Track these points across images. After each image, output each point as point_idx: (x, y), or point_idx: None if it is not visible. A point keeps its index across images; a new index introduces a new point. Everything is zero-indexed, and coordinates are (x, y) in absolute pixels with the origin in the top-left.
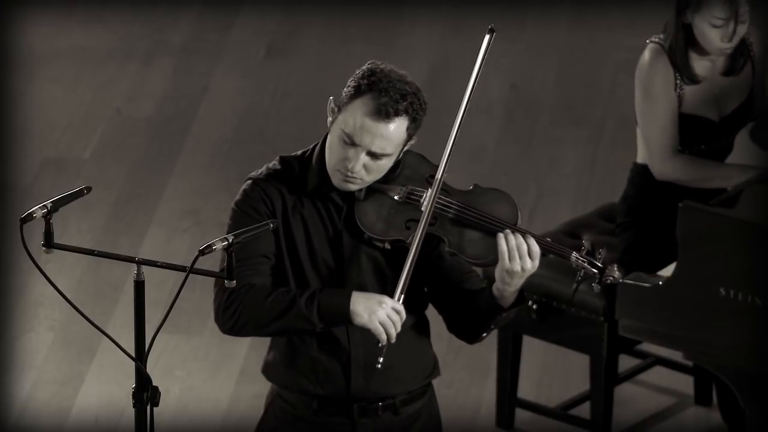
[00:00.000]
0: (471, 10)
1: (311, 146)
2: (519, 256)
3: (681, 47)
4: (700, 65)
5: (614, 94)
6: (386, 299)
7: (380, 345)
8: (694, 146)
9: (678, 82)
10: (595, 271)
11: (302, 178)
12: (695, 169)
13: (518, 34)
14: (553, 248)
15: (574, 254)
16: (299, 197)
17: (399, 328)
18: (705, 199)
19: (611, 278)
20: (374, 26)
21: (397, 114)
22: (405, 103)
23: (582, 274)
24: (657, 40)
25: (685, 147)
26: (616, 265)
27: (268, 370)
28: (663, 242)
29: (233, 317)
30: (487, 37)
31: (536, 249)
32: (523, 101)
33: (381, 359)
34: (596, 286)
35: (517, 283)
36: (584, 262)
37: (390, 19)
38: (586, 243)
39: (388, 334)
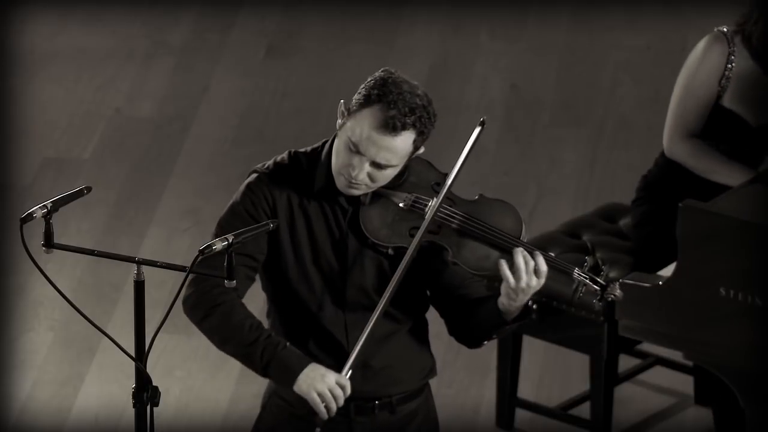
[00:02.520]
0: (471, 10)
1: (321, 142)
2: (525, 273)
3: (764, 38)
4: None
5: (614, 94)
6: (330, 374)
7: (317, 417)
8: (721, 143)
9: (726, 73)
10: (597, 288)
11: (310, 175)
12: (702, 158)
13: (518, 34)
14: (556, 263)
15: (577, 270)
16: (305, 195)
17: (341, 404)
18: (709, 197)
19: (613, 296)
20: (374, 26)
21: (404, 128)
22: (413, 117)
23: (583, 290)
24: (723, 29)
25: (710, 140)
26: (618, 283)
27: None
28: (671, 226)
29: (198, 316)
30: (478, 129)
31: (543, 268)
32: (523, 101)
33: (317, 430)
34: (597, 303)
35: (523, 299)
36: (586, 278)
37: (390, 19)
38: (589, 259)
39: (328, 408)
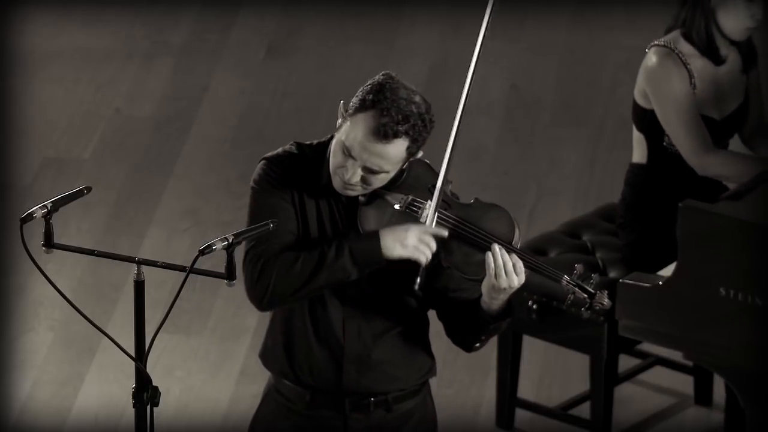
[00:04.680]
0: (471, 10)
1: (327, 137)
2: (506, 273)
3: (706, 27)
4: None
5: (614, 94)
6: (411, 226)
7: (421, 269)
8: None
9: (692, 77)
10: (586, 296)
11: (317, 168)
12: (733, 164)
13: (518, 34)
14: (545, 270)
15: (566, 278)
16: (312, 186)
17: (434, 247)
18: (704, 199)
19: (600, 305)
20: (374, 26)
21: (396, 136)
22: (407, 125)
23: (572, 298)
24: (661, 43)
25: None
26: (606, 292)
27: (265, 355)
28: (663, 238)
29: (267, 289)
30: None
31: (519, 264)
32: (523, 101)
33: (419, 280)
34: (585, 312)
35: (503, 298)
36: (575, 286)
37: (390, 19)
38: (578, 267)
39: (425, 255)
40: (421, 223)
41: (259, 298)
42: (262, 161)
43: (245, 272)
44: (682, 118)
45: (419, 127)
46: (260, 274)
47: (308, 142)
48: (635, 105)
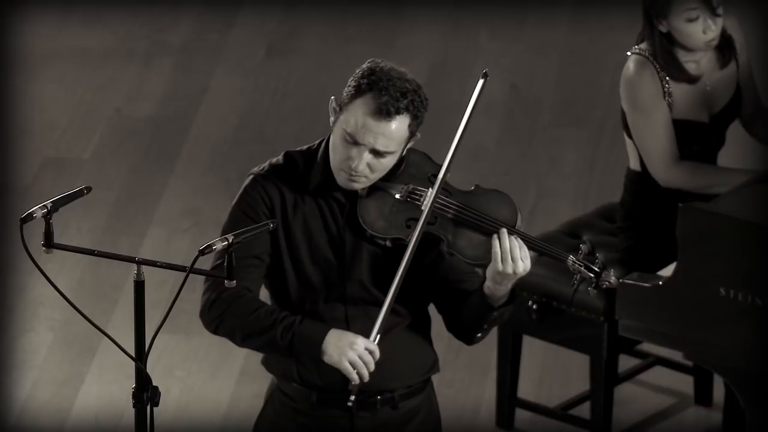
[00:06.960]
0: (471, 10)
1: (317, 141)
2: (512, 259)
3: (667, 53)
4: (688, 67)
5: (614, 94)
6: (359, 340)
7: (351, 384)
8: (686, 148)
9: (667, 89)
10: (592, 275)
11: (306, 174)
12: (700, 177)
13: (518, 34)
14: (550, 251)
15: (571, 257)
16: (301, 194)
17: (372, 368)
18: (704, 200)
19: (607, 283)
20: (374, 26)
21: (398, 112)
22: (406, 101)
23: (578, 277)
24: (638, 51)
25: (678, 150)
26: (612, 270)
27: (269, 360)
28: (663, 243)
29: (215, 321)
30: (481, 81)
31: (524, 248)
32: (523, 101)
33: (352, 398)
34: (592, 291)
35: (508, 284)
36: (581, 266)
37: (390, 19)
38: (583, 246)
39: (359, 374)
40: (369, 339)
41: (209, 327)
42: (249, 177)
43: (204, 292)
44: (654, 134)
45: (417, 102)
46: (214, 305)
47: (298, 149)
48: (622, 113)
